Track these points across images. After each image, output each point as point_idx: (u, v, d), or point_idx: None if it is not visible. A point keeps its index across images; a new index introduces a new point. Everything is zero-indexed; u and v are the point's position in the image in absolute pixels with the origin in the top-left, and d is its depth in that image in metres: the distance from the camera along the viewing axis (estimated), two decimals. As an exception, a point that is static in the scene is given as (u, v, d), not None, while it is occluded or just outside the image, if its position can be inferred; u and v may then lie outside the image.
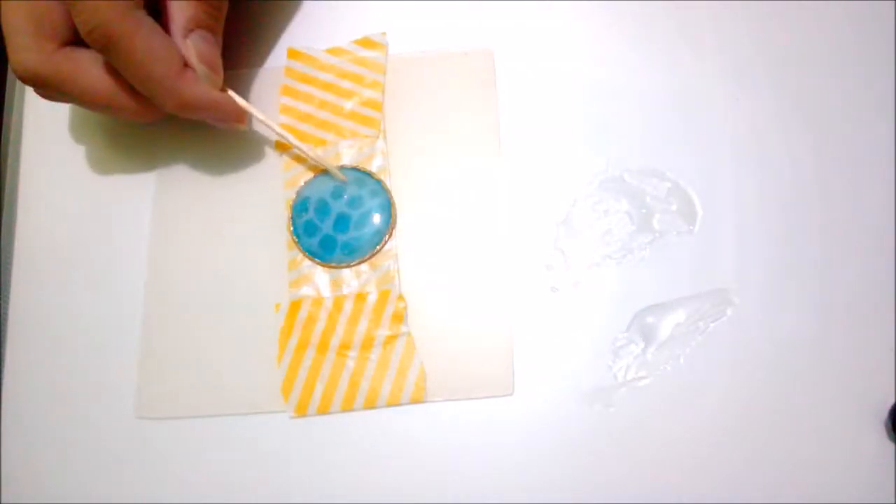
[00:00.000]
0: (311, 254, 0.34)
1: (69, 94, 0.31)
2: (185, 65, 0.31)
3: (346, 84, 0.36)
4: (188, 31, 0.31)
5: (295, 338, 0.33)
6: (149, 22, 0.30)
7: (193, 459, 0.32)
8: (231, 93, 0.33)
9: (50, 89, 0.31)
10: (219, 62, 0.32)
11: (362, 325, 0.33)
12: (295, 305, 0.33)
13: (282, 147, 0.35)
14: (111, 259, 0.35)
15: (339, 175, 0.34)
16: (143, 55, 0.30)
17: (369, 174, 0.34)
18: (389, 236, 0.34)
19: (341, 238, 0.34)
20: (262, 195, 0.35)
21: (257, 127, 0.36)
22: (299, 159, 0.35)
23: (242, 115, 0.33)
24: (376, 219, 0.34)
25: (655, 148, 0.34)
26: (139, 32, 0.29)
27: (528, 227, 0.34)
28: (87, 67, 0.31)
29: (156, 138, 0.36)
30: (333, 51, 0.36)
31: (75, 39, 0.30)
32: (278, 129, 0.33)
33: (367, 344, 0.32)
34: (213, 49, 0.32)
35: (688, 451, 0.30)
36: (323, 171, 0.35)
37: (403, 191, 0.34)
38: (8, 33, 0.30)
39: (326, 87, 0.36)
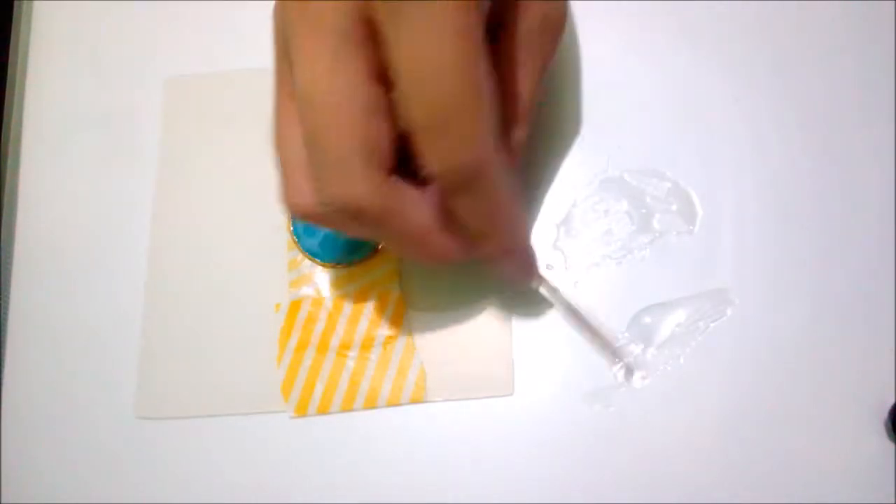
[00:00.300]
0: (311, 254, 0.34)
1: (386, 229, 0.25)
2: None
3: (346, 84, 0.36)
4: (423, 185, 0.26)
5: (295, 338, 0.33)
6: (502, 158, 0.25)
7: (193, 459, 0.32)
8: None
9: (364, 223, 0.25)
10: (489, 216, 0.26)
11: (362, 325, 0.33)
12: (295, 305, 0.33)
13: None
14: (111, 259, 0.35)
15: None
16: (505, 194, 0.25)
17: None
18: (389, 236, 0.34)
19: (341, 238, 0.34)
20: (262, 195, 0.35)
21: (261, 128, 0.35)
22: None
23: (536, 269, 0.31)
24: (376, 219, 0.34)
25: (655, 148, 0.34)
26: (502, 170, 0.24)
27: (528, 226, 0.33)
28: (415, 201, 0.25)
29: (156, 138, 0.36)
30: (333, 51, 0.36)
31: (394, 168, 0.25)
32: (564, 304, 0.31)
33: (367, 344, 0.32)
34: (477, 204, 0.26)
35: (687, 451, 0.30)
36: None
37: (403, 191, 0.34)
38: (328, 159, 0.24)
39: (326, 87, 0.36)
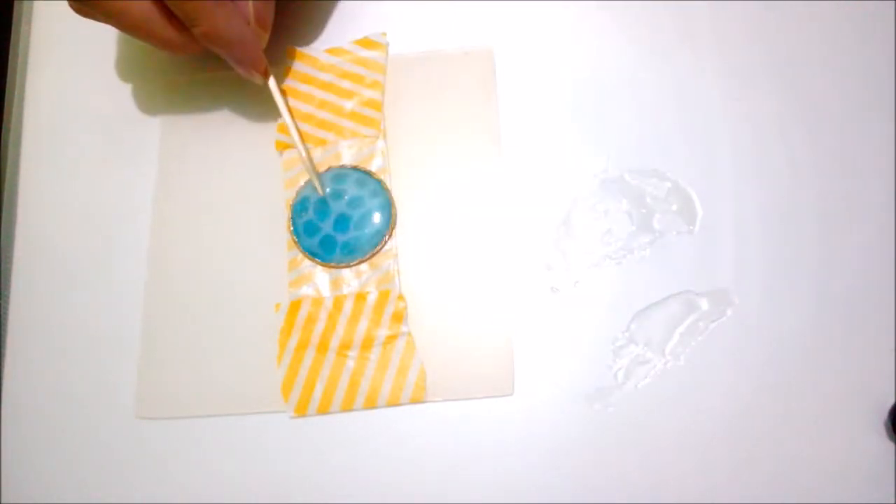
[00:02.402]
0: (311, 254, 0.34)
1: (105, 11, 0.31)
2: None
3: (346, 84, 0.36)
4: None
5: (295, 338, 0.33)
6: None
7: (193, 459, 0.32)
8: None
9: (85, 3, 0.31)
10: (269, 18, 0.33)
11: (362, 325, 0.33)
12: (295, 305, 0.33)
13: (282, 147, 0.35)
14: (111, 259, 0.35)
15: (318, 188, 0.34)
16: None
17: (369, 174, 0.34)
18: (389, 236, 0.34)
19: (341, 238, 0.34)
20: (262, 195, 0.35)
21: (261, 128, 0.35)
22: (299, 159, 0.35)
23: (263, 65, 0.34)
24: (376, 219, 0.34)
25: (655, 148, 0.34)
26: None
27: (528, 226, 0.34)
28: None
29: (156, 138, 0.36)
30: (333, 51, 0.36)
31: None
32: (284, 109, 0.34)
33: (367, 344, 0.32)
34: (268, 5, 0.33)
35: (687, 451, 0.30)
36: (323, 171, 0.35)
37: (403, 191, 0.34)
38: None
39: (326, 87, 0.36)
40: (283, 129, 0.35)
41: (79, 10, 0.32)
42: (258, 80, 0.34)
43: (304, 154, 0.34)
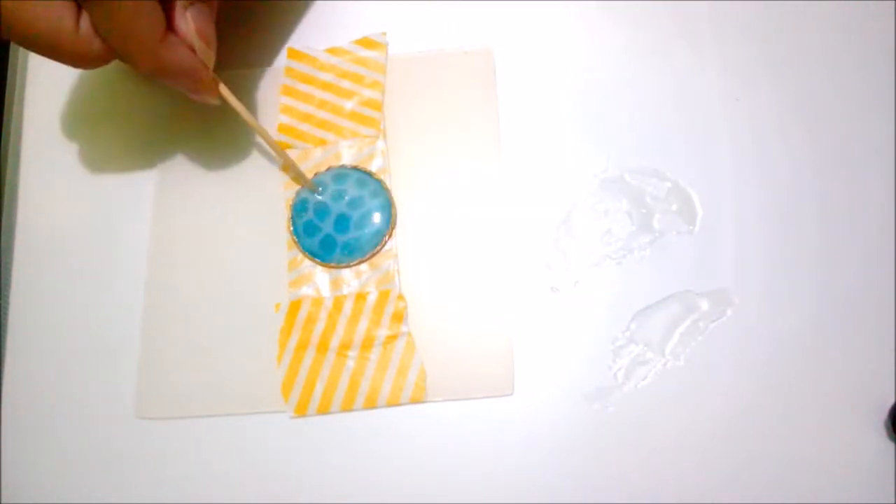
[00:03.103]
0: (311, 254, 0.34)
1: (22, 39, 0.29)
2: (168, 28, 0.30)
3: (346, 84, 0.36)
4: (187, 2, 0.30)
5: (295, 338, 0.33)
6: None
7: (193, 459, 0.32)
8: (223, 89, 0.32)
9: (6, 31, 0.28)
10: (213, 37, 0.31)
11: (362, 325, 0.33)
12: (295, 305, 0.33)
13: (282, 147, 0.35)
14: (111, 259, 0.35)
15: (311, 185, 0.34)
16: (130, 11, 0.28)
17: (369, 174, 0.34)
18: (389, 236, 0.34)
19: (341, 238, 0.34)
20: (262, 195, 0.35)
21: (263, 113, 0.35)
22: (299, 159, 0.35)
23: (215, 86, 0.32)
24: (376, 219, 0.34)
25: (655, 148, 0.34)
26: None
27: (528, 226, 0.34)
28: (52, 13, 0.28)
29: (156, 138, 0.36)
30: (333, 51, 0.36)
31: None
32: (244, 112, 0.33)
33: (367, 344, 0.32)
34: (209, 24, 0.31)
35: (688, 451, 0.30)
36: (323, 172, 0.35)
37: (403, 191, 0.34)
38: None
39: (326, 87, 0.36)
40: (284, 130, 0.35)
41: None
42: (214, 100, 0.32)
43: (275, 153, 0.34)
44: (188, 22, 0.30)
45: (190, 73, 0.31)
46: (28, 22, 0.28)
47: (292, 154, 0.35)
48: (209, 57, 0.31)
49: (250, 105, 0.36)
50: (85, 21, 0.29)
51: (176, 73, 0.31)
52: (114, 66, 0.38)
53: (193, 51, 0.31)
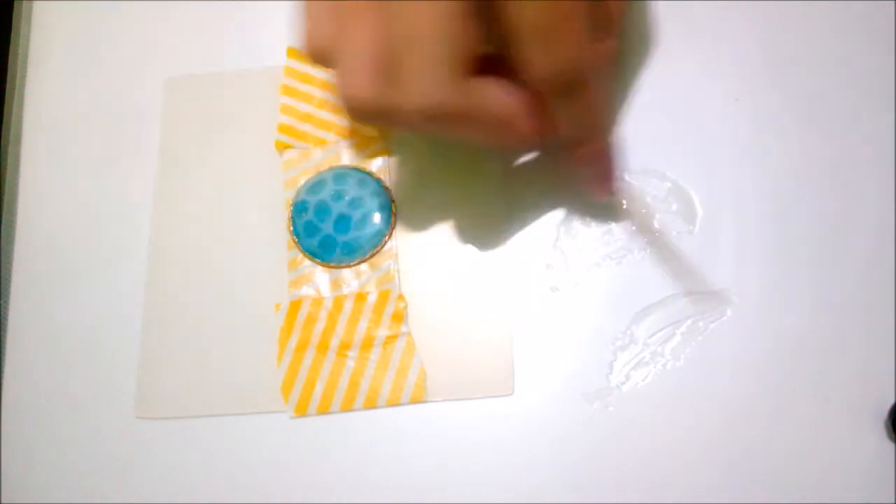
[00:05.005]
0: (311, 254, 0.34)
1: (463, 127, 0.26)
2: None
3: (346, 84, 0.36)
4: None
5: (295, 338, 0.33)
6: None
7: (193, 459, 0.32)
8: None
9: (436, 124, 0.26)
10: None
11: (362, 325, 0.33)
12: (295, 305, 0.33)
13: (282, 147, 0.35)
14: (111, 259, 0.35)
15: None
16: (600, 97, 0.28)
17: (369, 174, 0.34)
18: (389, 236, 0.34)
19: (341, 238, 0.34)
20: (262, 195, 0.35)
21: (261, 128, 0.36)
22: (299, 159, 0.35)
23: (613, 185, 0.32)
24: (376, 219, 0.34)
25: (655, 148, 0.34)
26: (598, 75, 0.27)
27: (528, 226, 0.33)
28: (496, 94, 0.26)
29: (156, 138, 0.36)
30: (333, 51, 0.36)
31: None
32: None
33: (367, 344, 0.32)
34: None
35: (687, 451, 0.30)
36: (323, 172, 0.35)
37: (403, 191, 0.34)
38: (415, 63, 0.24)
39: (326, 86, 0.36)
40: (284, 130, 0.35)
41: (414, 129, 0.28)
42: (609, 196, 0.32)
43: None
44: (502, 94, 0.27)
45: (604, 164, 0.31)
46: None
47: (292, 154, 0.35)
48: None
49: (251, 104, 0.36)
50: None
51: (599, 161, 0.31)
52: (112, 67, 0.38)
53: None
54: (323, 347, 0.33)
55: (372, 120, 0.27)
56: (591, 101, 0.27)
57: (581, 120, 0.28)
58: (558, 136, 0.28)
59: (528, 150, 0.32)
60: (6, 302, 0.35)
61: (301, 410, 0.32)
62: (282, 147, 0.35)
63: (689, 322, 0.32)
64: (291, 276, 0.34)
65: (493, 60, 0.26)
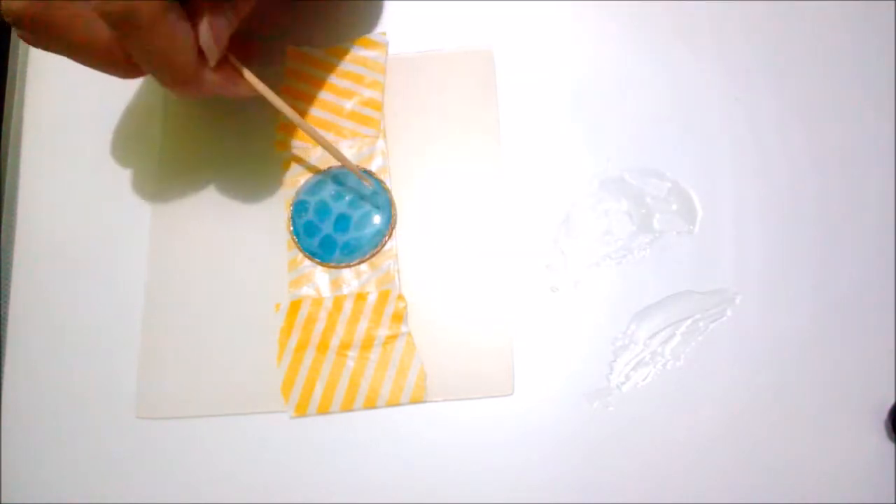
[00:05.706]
0: (311, 254, 0.34)
1: (59, 45, 0.29)
2: (201, 52, 0.29)
3: (346, 84, 0.36)
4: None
5: (295, 338, 0.33)
6: (174, 6, 0.28)
7: (193, 459, 0.32)
8: (248, 74, 0.32)
9: (39, 35, 0.28)
10: (226, 40, 0.30)
11: (362, 325, 0.33)
12: (295, 305, 0.33)
13: (282, 147, 0.35)
14: (111, 259, 0.35)
15: (365, 180, 0.34)
16: (165, 42, 0.28)
17: (370, 174, 0.34)
18: (389, 236, 0.34)
19: (341, 238, 0.34)
20: (262, 195, 0.35)
21: (261, 128, 0.35)
22: (299, 159, 0.35)
23: (200, 88, 0.31)
24: (376, 219, 0.34)
25: (655, 148, 0.34)
26: (165, 18, 0.27)
27: (528, 226, 0.34)
28: (86, 20, 0.28)
29: (156, 138, 0.36)
30: (333, 51, 0.36)
31: None
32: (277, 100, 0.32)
33: (367, 344, 0.32)
34: (226, 28, 0.30)
35: (687, 451, 0.30)
36: (323, 171, 0.35)
37: (403, 191, 0.34)
38: None
39: (326, 87, 0.36)
40: (284, 129, 0.35)
41: (31, 42, 0.29)
42: (244, 93, 0.32)
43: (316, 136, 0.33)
44: (204, 24, 0.29)
45: (226, 92, 0.31)
46: (62, 24, 0.28)
47: (292, 154, 0.35)
48: (214, 55, 0.30)
49: (251, 104, 0.36)
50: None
51: (211, 93, 0.31)
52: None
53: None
54: (323, 347, 0.32)
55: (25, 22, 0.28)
56: (158, 44, 0.27)
57: (149, 60, 0.28)
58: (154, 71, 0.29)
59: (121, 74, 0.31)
60: (6, 302, 0.35)
61: (301, 410, 0.32)
62: (282, 147, 0.35)
63: (689, 322, 0.32)
64: (291, 276, 0.34)
65: None
